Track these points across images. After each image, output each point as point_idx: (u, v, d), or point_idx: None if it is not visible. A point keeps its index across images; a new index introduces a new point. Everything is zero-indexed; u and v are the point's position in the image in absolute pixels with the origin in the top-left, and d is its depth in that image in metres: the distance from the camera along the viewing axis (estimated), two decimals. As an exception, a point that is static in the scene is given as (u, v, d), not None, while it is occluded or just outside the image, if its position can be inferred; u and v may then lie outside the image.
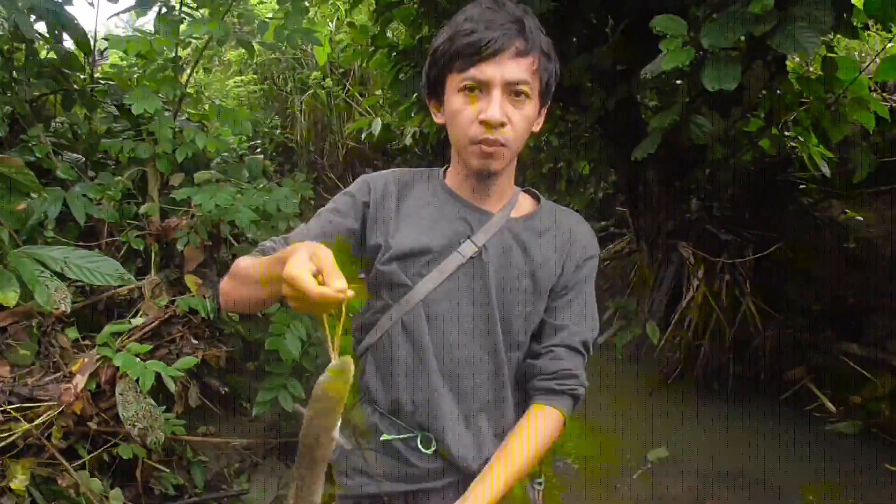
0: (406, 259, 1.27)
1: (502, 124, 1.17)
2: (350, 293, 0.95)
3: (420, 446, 1.28)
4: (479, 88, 1.17)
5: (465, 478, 1.25)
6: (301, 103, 8.49)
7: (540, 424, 1.26)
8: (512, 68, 1.15)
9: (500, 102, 1.16)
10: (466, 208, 1.30)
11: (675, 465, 3.50)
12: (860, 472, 3.34)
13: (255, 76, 8.80)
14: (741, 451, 3.55)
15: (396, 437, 1.29)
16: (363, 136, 7.39)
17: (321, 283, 0.94)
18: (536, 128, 1.29)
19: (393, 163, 8.39)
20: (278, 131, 8.73)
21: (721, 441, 3.65)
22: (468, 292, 1.27)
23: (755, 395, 4.11)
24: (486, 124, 1.17)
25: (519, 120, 1.19)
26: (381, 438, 1.30)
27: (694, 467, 3.46)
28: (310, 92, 8.34)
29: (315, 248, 0.98)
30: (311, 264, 0.95)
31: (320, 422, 0.94)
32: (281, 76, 8.77)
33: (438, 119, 1.27)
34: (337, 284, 0.94)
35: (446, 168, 1.37)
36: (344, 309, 0.99)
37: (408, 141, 7.67)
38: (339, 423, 0.95)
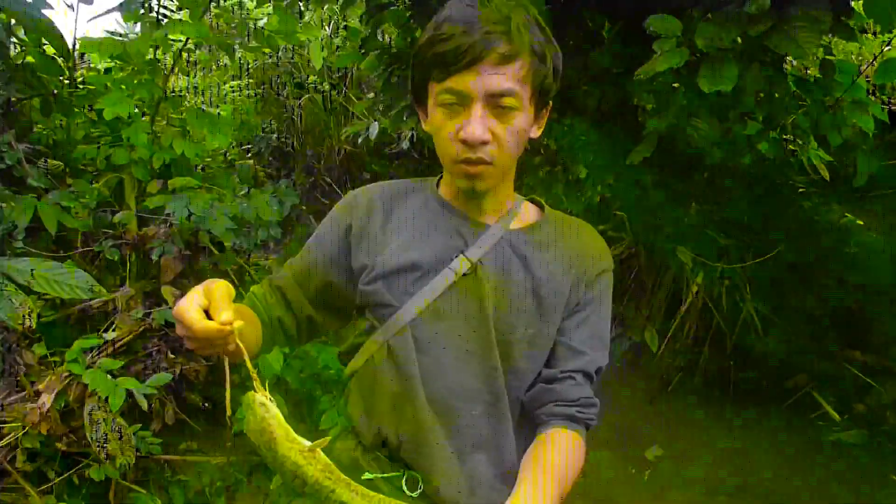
0: (392, 277, 1.15)
1: (484, 142, 1.05)
2: (238, 324, 0.92)
3: (405, 488, 1.15)
4: (459, 102, 1.05)
5: None
6: (298, 107, 8.44)
7: (569, 445, 1.13)
8: (494, 78, 1.03)
9: (481, 119, 1.04)
10: (460, 220, 1.18)
11: (675, 474, 3.43)
12: (865, 482, 3.26)
13: (251, 80, 8.75)
14: (744, 460, 3.47)
15: (380, 475, 1.17)
16: (360, 140, 7.33)
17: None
18: (537, 133, 1.17)
19: (390, 167, 8.34)
20: (274, 136, 8.68)
21: (722, 450, 3.57)
22: (462, 313, 1.14)
23: (757, 402, 4.02)
24: (466, 143, 1.05)
25: (506, 135, 1.06)
26: (363, 477, 1.16)
27: (695, 477, 3.39)
28: (306, 96, 8.28)
29: (209, 284, 0.94)
30: (202, 299, 0.92)
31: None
32: (277, 80, 8.73)
33: (426, 127, 1.16)
34: (222, 318, 0.90)
35: (440, 177, 1.25)
36: (240, 344, 0.95)
37: (405, 145, 7.61)
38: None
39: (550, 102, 1.18)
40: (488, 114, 1.05)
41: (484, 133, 1.05)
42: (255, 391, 0.95)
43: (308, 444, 0.94)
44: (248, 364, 0.97)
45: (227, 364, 0.98)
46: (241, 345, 0.96)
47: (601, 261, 1.23)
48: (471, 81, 1.03)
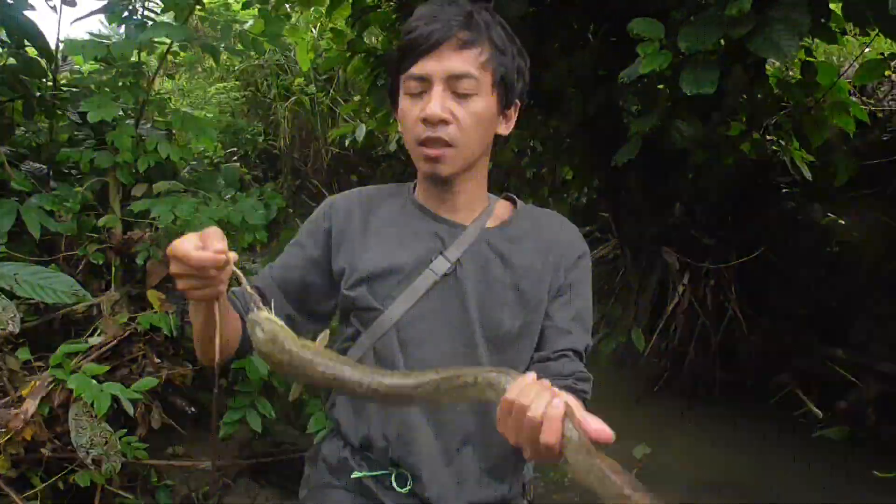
0: (374, 281, 1.18)
1: (444, 121, 1.10)
2: (232, 255, 0.94)
3: (394, 485, 1.18)
4: (423, 87, 1.11)
5: None
6: (284, 110, 8.40)
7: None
8: (453, 61, 1.09)
9: (440, 97, 1.09)
10: (437, 222, 1.21)
11: (662, 473, 3.44)
12: (848, 479, 3.29)
13: (237, 83, 8.70)
14: (729, 459, 3.50)
15: (369, 474, 1.20)
16: (347, 143, 7.31)
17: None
18: (504, 130, 1.20)
19: (377, 169, 8.32)
20: (261, 138, 8.64)
21: (708, 449, 3.60)
22: (444, 313, 1.18)
23: (742, 401, 4.06)
24: (426, 122, 1.10)
25: (466, 116, 1.11)
26: (353, 476, 1.20)
27: (682, 476, 3.41)
28: (293, 98, 8.24)
29: (203, 230, 0.98)
30: (196, 240, 0.95)
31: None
32: (264, 82, 8.68)
33: (400, 127, 1.20)
34: (216, 247, 0.92)
35: (416, 182, 1.29)
36: (237, 270, 0.98)
37: (392, 147, 7.60)
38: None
39: (518, 102, 1.21)
40: (449, 96, 1.10)
41: (443, 111, 1.09)
42: (258, 311, 0.98)
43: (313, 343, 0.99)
44: (247, 286, 1.00)
45: (217, 365, 1.01)
46: (237, 271, 0.98)
47: (577, 247, 1.27)
48: (431, 64, 1.09)
